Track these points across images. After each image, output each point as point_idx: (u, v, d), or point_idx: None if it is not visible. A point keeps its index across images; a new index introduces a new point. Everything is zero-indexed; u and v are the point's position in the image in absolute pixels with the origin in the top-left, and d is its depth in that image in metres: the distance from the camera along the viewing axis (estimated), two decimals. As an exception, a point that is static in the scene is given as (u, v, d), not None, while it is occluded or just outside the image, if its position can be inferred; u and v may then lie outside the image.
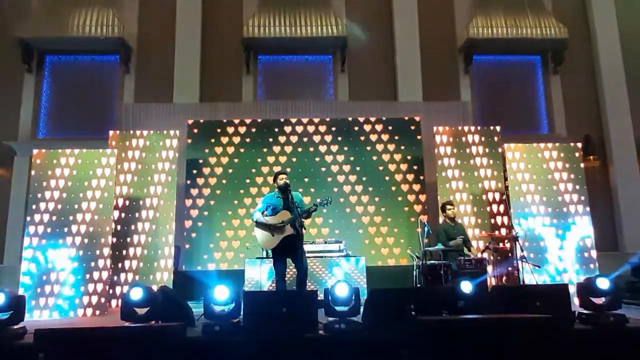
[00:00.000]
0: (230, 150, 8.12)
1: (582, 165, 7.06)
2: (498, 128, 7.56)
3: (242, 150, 8.14)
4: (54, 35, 8.95)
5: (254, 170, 8.07)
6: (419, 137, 8.28)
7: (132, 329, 3.41)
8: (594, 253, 6.75)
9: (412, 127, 8.31)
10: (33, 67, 9.33)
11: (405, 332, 3.25)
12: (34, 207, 6.05)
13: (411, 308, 3.73)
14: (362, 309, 3.99)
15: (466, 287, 3.97)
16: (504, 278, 6.32)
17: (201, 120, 8.27)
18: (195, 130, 8.15)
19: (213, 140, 8.15)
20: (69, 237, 6.02)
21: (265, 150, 8.16)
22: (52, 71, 9.58)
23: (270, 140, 8.21)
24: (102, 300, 5.95)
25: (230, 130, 8.19)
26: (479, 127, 7.65)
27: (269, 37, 9.13)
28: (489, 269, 6.47)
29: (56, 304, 5.83)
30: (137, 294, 3.99)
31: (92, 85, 9.51)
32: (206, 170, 8.05)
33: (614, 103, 9.49)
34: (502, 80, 9.92)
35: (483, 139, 7.47)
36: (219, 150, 8.13)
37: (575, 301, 4.25)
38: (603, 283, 4.01)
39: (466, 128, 7.63)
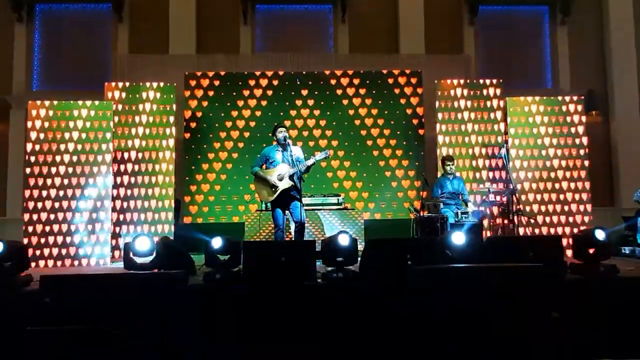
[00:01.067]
0: (229, 102, 8.02)
1: (583, 119, 6.99)
2: (500, 81, 7.42)
3: (240, 102, 8.04)
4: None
5: (253, 124, 8.01)
6: (420, 90, 8.16)
7: (135, 275, 3.49)
8: (589, 207, 6.82)
9: (414, 80, 8.17)
10: (23, 17, 9.01)
11: (401, 280, 3.34)
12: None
13: (407, 258, 3.83)
14: (359, 260, 4.09)
15: (460, 238, 4.04)
16: (500, 230, 6.43)
17: (198, 73, 8.11)
18: (193, 83, 8.02)
19: (212, 93, 8.03)
20: (75, 190, 6.14)
21: (264, 104, 8.06)
22: (43, 21, 9.26)
23: (270, 93, 8.09)
24: (106, 251, 6.10)
25: (229, 82, 8.05)
26: (481, 81, 7.49)
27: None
28: (485, 221, 6.58)
29: (60, 254, 5.97)
30: (141, 244, 4.05)
31: (85, 35, 9.23)
32: (204, 123, 7.98)
33: (620, 57, 9.25)
34: (507, 33, 9.61)
35: (485, 92, 7.33)
36: (217, 102, 8.03)
37: (569, 253, 4.34)
38: (600, 234, 4.08)
39: (468, 81, 7.49)
